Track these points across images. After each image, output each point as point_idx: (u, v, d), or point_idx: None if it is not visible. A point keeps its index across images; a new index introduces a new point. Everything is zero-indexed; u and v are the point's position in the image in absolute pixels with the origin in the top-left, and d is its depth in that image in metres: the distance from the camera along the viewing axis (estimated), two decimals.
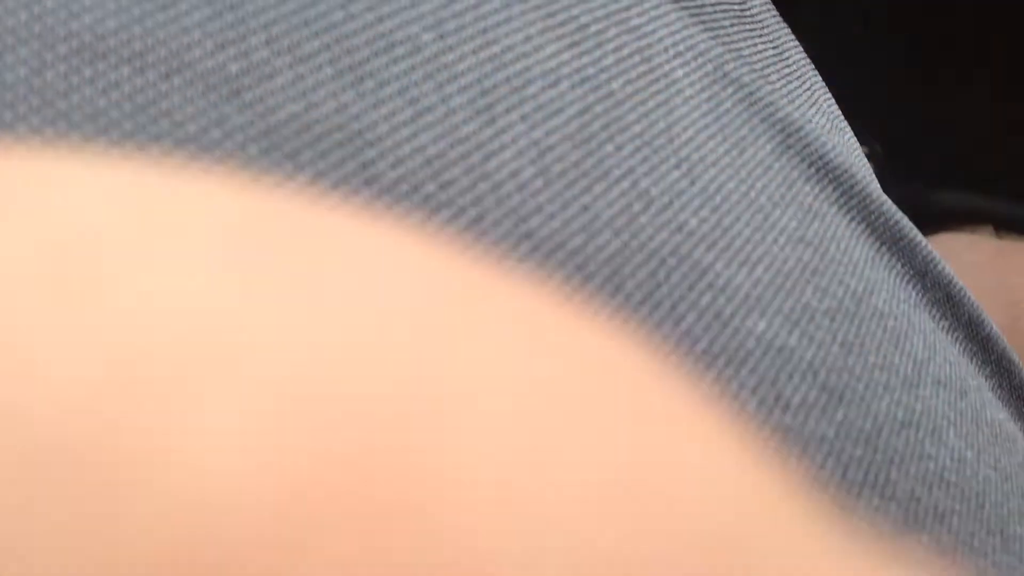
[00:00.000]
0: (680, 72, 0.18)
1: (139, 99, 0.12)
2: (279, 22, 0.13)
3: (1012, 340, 0.44)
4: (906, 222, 0.22)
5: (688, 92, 0.18)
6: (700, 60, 0.18)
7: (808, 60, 0.25)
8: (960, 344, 0.22)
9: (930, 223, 0.51)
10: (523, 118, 0.15)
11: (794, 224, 0.18)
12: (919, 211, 0.55)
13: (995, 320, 0.44)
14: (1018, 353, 0.43)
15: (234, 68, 0.12)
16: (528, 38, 0.15)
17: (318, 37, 0.13)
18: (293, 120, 0.12)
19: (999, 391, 0.23)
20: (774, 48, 0.22)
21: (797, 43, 0.25)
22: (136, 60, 0.12)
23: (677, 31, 0.18)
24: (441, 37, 0.14)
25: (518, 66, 0.15)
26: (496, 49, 0.15)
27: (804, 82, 0.23)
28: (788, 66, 0.23)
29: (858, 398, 0.17)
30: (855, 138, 0.26)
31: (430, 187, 0.13)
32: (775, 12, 0.24)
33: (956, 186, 0.57)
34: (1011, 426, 0.22)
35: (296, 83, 0.13)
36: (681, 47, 0.18)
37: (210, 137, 0.12)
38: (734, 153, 0.18)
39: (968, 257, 0.48)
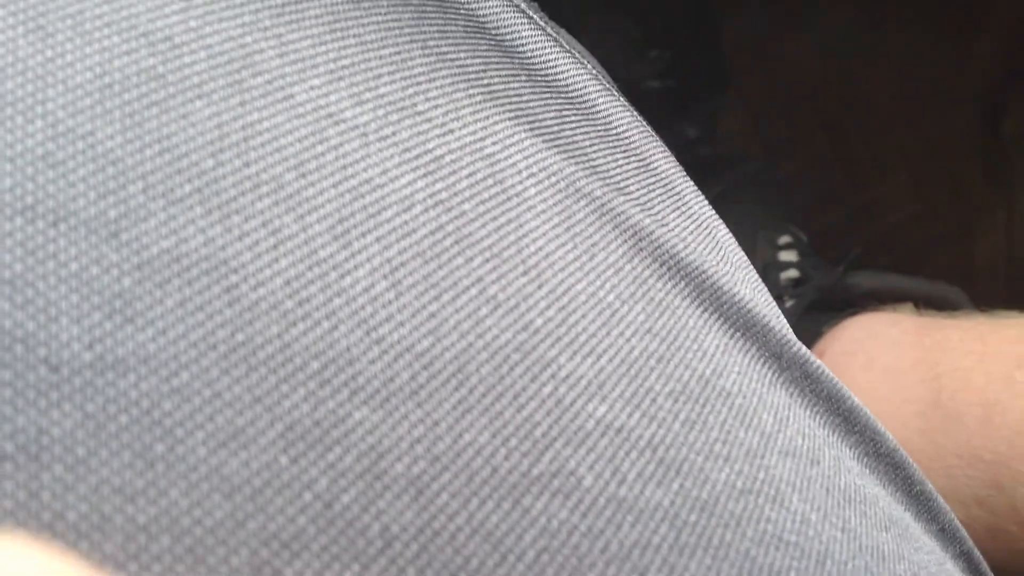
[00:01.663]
0: (532, 191, 0.20)
1: (29, 245, 0.14)
2: (155, 172, 0.15)
3: (935, 413, 0.46)
4: (761, 308, 0.24)
5: (540, 208, 0.20)
6: (553, 179, 0.21)
7: (679, 169, 0.28)
8: (820, 417, 0.24)
9: (853, 303, 0.53)
10: (378, 240, 0.17)
11: (642, 317, 0.21)
12: (843, 292, 0.57)
13: (917, 394, 0.46)
14: (942, 428, 0.44)
15: (113, 213, 0.15)
16: (385, 171, 0.18)
17: (190, 182, 0.16)
18: (164, 254, 0.15)
19: (865, 459, 0.25)
20: (639, 160, 0.25)
21: (668, 154, 0.27)
22: (28, 212, 0.14)
23: (531, 155, 0.21)
24: (303, 176, 0.17)
25: (375, 195, 0.17)
26: (354, 182, 0.17)
27: (670, 189, 0.26)
28: (653, 176, 0.25)
29: (696, 469, 0.19)
30: (729, 236, 0.28)
31: (288, 304, 0.15)
32: (644, 129, 0.27)
33: (878, 267, 0.60)
34: (874, 490, 0.24)
35: (168, 222, 0.15)
36: (535, 168, 0.21)
37: (89, 273, 0.14)
38: (584, 258, 0.20)
39: (890, 333, 0.49)
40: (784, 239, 0.58)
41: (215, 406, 0.14)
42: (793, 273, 0.57)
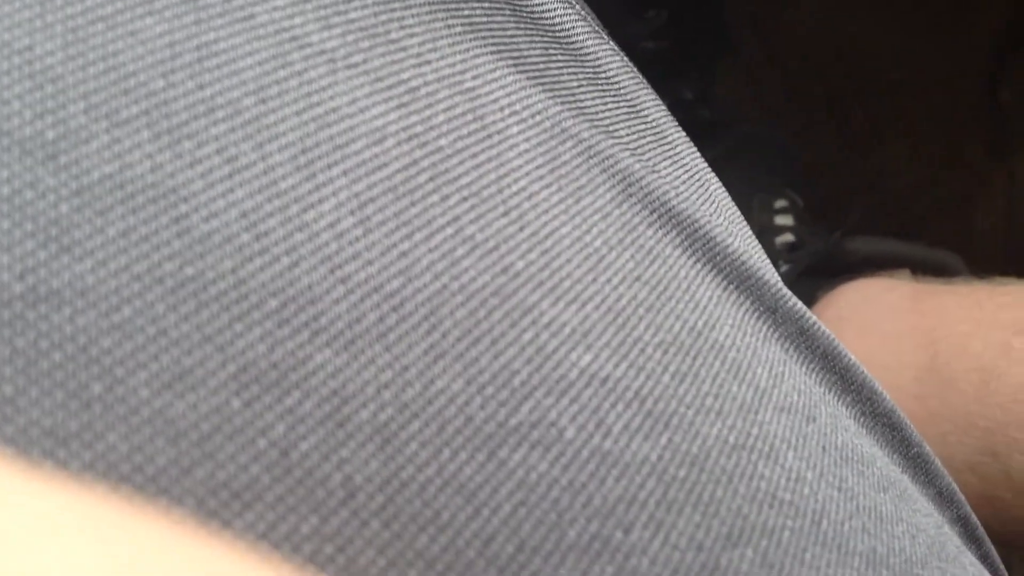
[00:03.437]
0: (515, 129, 0.19)
1: None
2: (99, 91, 0.14)
3: (931, 379, 0.45)
4: (756, 262, 0.23)
5: (523, 147, 0.19)
6: (538, 118, 0.20)
7: (671, 119, 0.26)
8: (816, 374, 0.23)
9: (849, 268, 0.52)
10: (345, 173, 0.16)
11: (631, 265, 0.19)
12: (839, 257, 0.56)
13: (914, 359, 0.46)
14: (937, 394, 0.44)
15: (51, 134, 0.13)
16: (354, 100, 0.17)
17: (137, 103, 0.14)
18: (106, 180, 0.14)
19: (862, 418, 0.24)
20: (629, 106, 0.24)
21: (659, 104, 0.26)
22: None
23: (513, 92, 0.20)
24: (263, 101, 0.15)
25: (342, 125, 0.16)
26: (319, 111, 0.16)
27: (661, 137, 0.25)
28: (643, 123, 0.24)
29: (686, 423, 0.18)
30: (722, 190, 0.27)
31: (244, 237, 0.14)
32: (635, 76, 0.25)
33: (875, 233, 0.59)
34: (871, 450, 0.23)
35: (112, 146, 0.14)
36: (518, 106, 0.20)
37: (23, 198, 0.13)
38: (569, 201, 0.19)
39: (887, 299, 0.49)
40: (780, 203, 0.57)
41: (160, 344, 0.13)
42: (789, 237, 0.56)
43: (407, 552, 0.14)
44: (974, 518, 0.28)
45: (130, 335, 0.13)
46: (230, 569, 0.10)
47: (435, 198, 0.17)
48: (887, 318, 0.47)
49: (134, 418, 0.13)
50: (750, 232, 0.27)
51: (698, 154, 0.27)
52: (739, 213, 0.27)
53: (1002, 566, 0.29)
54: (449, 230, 0.17)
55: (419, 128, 0.17)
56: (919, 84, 0.73)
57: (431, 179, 0.17)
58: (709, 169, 0.27)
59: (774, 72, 0.73)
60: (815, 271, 0.54)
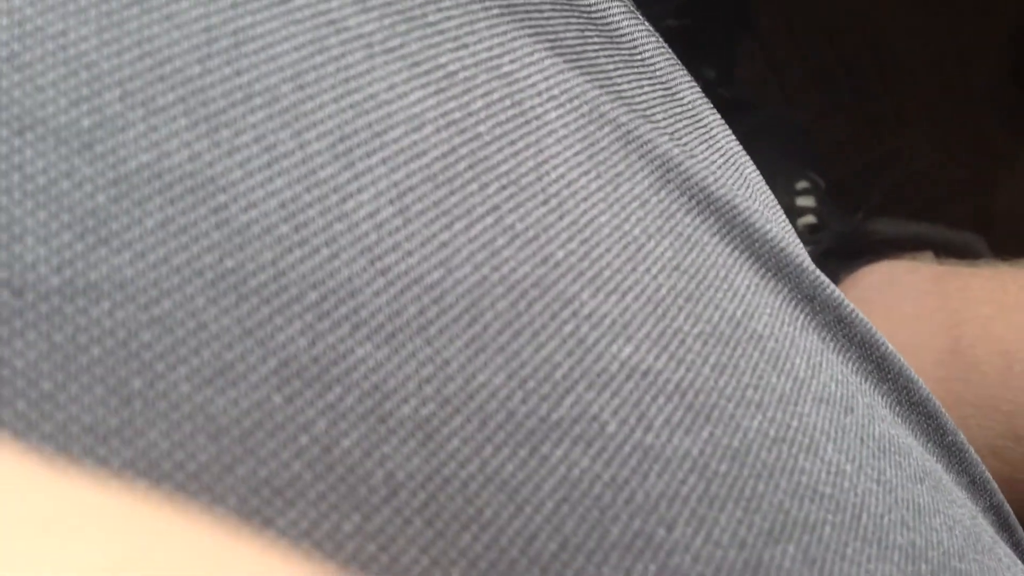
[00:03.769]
0: (553, 114, 0.19)
1: None
2: (135, 78, 0.14)
3: (954, 361, 0.45)
4: (793, 248, 0.23)
5: (561, 132, 0.19)
6: (575, 102, 0.19)
7: (706, 100, 0.26)
8: (853, 363, 0.23)
9: (871, 250, 0.51)
10: (383, 161, 0.15)
11: (670, 254, 0.19)
12: (861, 239, 0.56)
13: (937, 342, 0.45)
14: (960, 377, 0.44)
15: (86, 122, 0.13)
16: (392, 86, 0.16)
17: (173, 90, 0.14)
18: (144, 169, 0.13)
19: (897, 407, 0.24)
20: (664, 89, 0.23)
21: (694, 85, 0.26)
22: None
23: (551, 76, 0.19)
24: (300, 87, 0.15)
25: (380, 112, 0.16)
26: (357, 97, 0.16)
27: (697, 120, 0.24)
28: (679, 105, 0.24)
29: (727, 416, 0.17)
30: (756, 173, 0.26)
31: (283, 228, 0.14)
32: (670, 56, 0.25)
33: (897, 215, 0.59)
34: (907, 440, 0.23)
35: (149, 134, 0.13)
36: (556, 91, 0.19)
37: (59, 188, 0.13)
38: (608, 189, 0.19)
39: (909, 281, 0.48)
40: (802, 184, 0.56)
41: (200, 338, 0.13)
42: (810, 219, 0.55)
43: (450, 551, 0.14)
44: (1007, 506, 0.27)
45: (170, 329, 0.13)
46: (246, 565, 0.10)
47: (474, 187, 0.16)
48: (910, 300, 0.47)
49: (175, 414, 0.12)
50: (784, 216, 0.26)
51: (732, 136, 0.26)
52: (772, 196, 0.26)
53: None
54: (489, 219, 0.16)
55: (457, 114, 0.17)
56: (940, 65, 0.72)
57: (470, 167, 0.16)
58: (743, 152, 0.26)
59: (794, 53, 0.72)
60: (837, 253, 0.54)
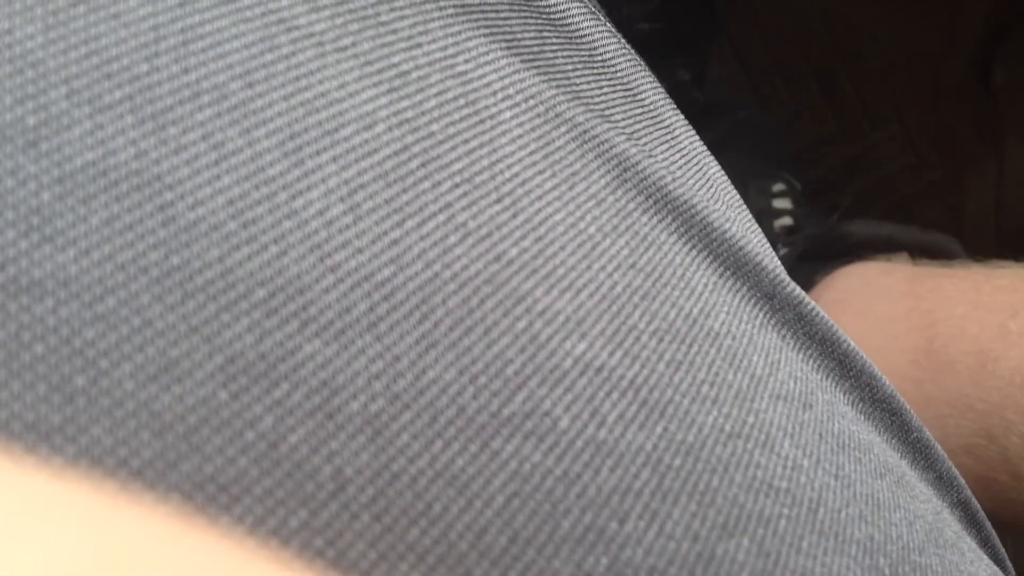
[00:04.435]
0: (508, 114, 0.19)
1: None
2: (80, 76, 0.14)
3: (928, 362, 0.45)
4: (755, 247, 0.23)
5: (516, 132, 0.19)
6: (531, 102, 0.19)
7: (669, 102, 0.26)
8: (813, 361, 0.23)
9: (847, 251, 0.52)
10: (334, 159, 0.15)
11: (625, 252, 0.19)
12: (837, 240, 0.56)
13: (911, 343, 0.46)
14: (934, 377, 0.44)
15: (31, 120, 0.13)
16: (343, 85, 0.16)
17: (120, 88, 0.14)
18: (89, 167, 0.13)
19: (860, 404, 0.24)
20: (625, 90, 0.24)
21: (657, 86, 0.26)
22: None
23: (506, 75, 0.19)
24: (249, 85, 0.15)
25: (331, 111, 0.16)
26: (308, 95, 0.16)
27: (658, 121, 0.24)
28: (640, 106, 0.24)
29: (682, 412, 0.17)
30: (721, 173, 0.27)
31: (231, 225, 0.14)
32: (632, 58, 0.25)
33: (867, 216, 0.59)
34: (868, 436, 0.23)
35: (94, 132, 0.13)
36: (511, 90, 0.19)
37: (3, 186, 0.13)
38: (563, 187, 0.19)
39: (884, 282, 0.49)
40: (778, 186, 0.57)
41: (145, 335, 0.13)
42: (787, 221, 0.56)
43: (398, 545, 0.14)
44: (975, 502, 0.28)
45: (114, 326, 0.13)
46: (214, 563, 0.10)
47: (426, 184, 0.16)
48: (884, 301, 0.47)
49: (119, 411, 0.12)
50: (750, 216, 0.26)
51: (696, 137, 0.26)
52: (738, 197, 0.27)
53: (1002, 548, 0.29)
54: (441, 217, 0.16)
55: (410, 113, 0.17)
56: (911, 67, 0.72)
57: (422, 165, 0.17)
58: (708, 153, 0.26)
59: (766, 55, 0.73)
60: (813, 254, 0.54)
